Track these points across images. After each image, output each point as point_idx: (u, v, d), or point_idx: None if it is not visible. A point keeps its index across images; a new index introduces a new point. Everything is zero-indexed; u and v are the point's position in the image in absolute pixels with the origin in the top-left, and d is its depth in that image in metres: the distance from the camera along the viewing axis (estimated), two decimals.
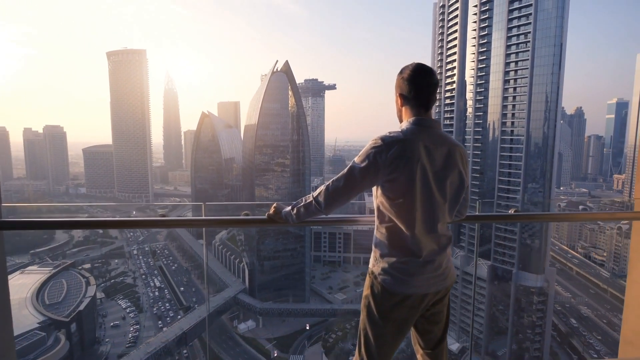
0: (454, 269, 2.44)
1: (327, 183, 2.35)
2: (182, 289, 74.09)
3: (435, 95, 2.31)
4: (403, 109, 2.35)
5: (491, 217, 4.37)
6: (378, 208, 2.32)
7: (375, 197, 2.33)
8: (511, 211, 3.48)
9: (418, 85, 2.24)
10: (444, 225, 2.31)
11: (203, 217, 3.38)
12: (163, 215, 3.14)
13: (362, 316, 2.46)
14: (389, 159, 2.12)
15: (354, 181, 2.25)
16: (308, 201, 2.42)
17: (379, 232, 2.35)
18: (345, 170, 2.30)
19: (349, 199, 2.35)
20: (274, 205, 2.72)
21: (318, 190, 2.37)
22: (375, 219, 2.38)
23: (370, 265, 2.43)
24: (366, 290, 2.42)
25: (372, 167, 2.17)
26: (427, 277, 2.27)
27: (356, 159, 2.27)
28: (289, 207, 2.55)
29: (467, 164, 2.38)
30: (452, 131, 69.19)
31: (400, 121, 2.40)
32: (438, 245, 2.28)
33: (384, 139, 2.17)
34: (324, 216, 2.54)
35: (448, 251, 2.36)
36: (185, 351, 57.11)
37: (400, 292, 2.27)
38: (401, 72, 2.32)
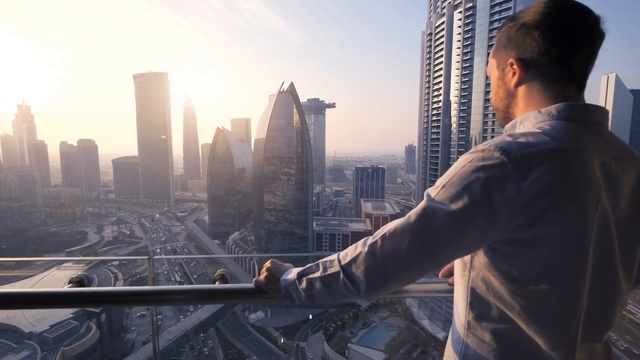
0: None
1: (372, 239, 0.92)
2: (195, 276, 73.87)
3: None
4: (522, 88, 0.94)
5: None
6: (474, 290, 0.93)
7: (469, 268, 0.95)
8: None
9: (569, 35, 0.85)
10: None
11: (147, 289, 1.39)
12: (80, 283, 1.46)
13: None
14: (528, 194, 0.76)
15: (434, 241, 0.84)
16: (331, 272, 0.99)
17: (472, 336, 0.95)
18: (413, 216, 0.87)
19: (418, 276, 0.91)
20: (267, 264, 1.24)
21: (353, 252, 0.95)
22: (466, 307, 0.96)
23: None
24: None
25: (481, 212, 0.79)
26: None
27: (434, 193, 0.86)
28: (294, 274, 1.11)
29: None
30: (439, 144, 69.13)
31: (507, 116, 1.00)
32: None
33: (508, 150, 0.79)
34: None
35: None
36: (204, 348, 56.64)
37: None
38: (513, 18, 0.93)
